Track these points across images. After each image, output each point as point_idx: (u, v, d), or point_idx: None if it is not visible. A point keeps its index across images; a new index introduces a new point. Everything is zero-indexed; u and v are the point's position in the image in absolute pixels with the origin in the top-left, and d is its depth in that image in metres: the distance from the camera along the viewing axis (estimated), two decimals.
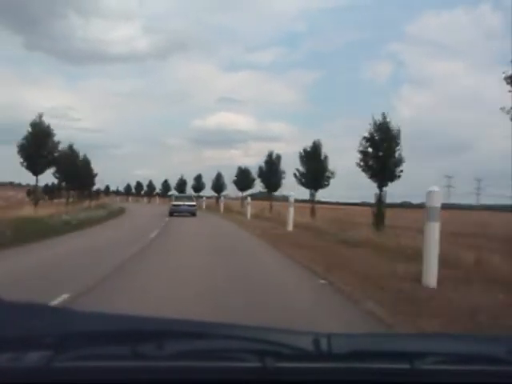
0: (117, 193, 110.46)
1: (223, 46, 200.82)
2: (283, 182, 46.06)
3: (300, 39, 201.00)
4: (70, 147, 52.80)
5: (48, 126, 39.98)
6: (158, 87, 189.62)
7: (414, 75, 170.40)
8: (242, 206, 45.94)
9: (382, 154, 24.11)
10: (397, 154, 24.53)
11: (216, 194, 66.90)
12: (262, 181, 47.56)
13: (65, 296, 7.13)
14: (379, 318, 6.21)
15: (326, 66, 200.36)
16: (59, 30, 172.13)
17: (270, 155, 47.46)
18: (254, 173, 54.14)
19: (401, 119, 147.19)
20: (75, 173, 51.07)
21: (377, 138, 24.48)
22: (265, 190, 47.95)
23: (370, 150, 24.42)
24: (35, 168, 38.58)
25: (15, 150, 38.06)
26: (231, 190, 63.35)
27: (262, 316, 6.00)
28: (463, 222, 26.82)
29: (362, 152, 24.48)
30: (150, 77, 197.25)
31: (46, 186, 70.07)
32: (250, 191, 56.66)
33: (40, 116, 39.88)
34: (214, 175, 68.44)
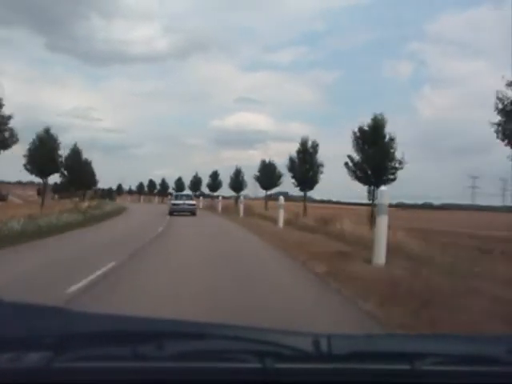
0: (130, 192, 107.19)
1: (242, 45, 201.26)
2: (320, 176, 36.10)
3: (319, 38, 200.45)
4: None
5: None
6: (178, 87, 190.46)
7: (436, 74, 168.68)
8: (266, 207, 40.52)
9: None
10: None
11: (234, 194, 58.18)
12: (294, 176, 36.37)
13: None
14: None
15: (345, 66, 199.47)
16: (81, 31, 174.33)
17: (303, 143, 36.35)
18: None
19: (424, 119, 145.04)
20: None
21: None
22: (294, 189, 38.58)
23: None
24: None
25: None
26: (251, 189, 57.06)
27: None
28: (471, 223, 27.31)
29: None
30: (169, 77, 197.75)
31: (56, 184, 68.44)
32: (275, 190, 47.69)
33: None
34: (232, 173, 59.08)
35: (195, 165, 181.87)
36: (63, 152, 44.10)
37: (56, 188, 70.16)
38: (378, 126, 25.63)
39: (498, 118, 15.87)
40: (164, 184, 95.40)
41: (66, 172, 49.61)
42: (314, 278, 9.17)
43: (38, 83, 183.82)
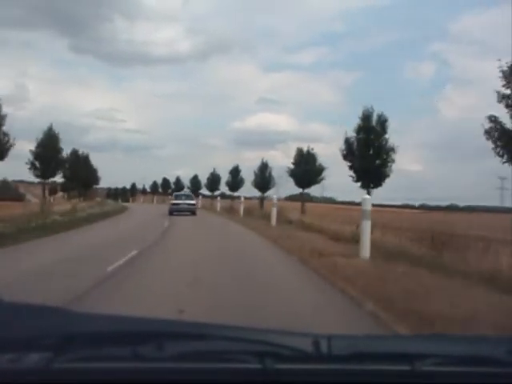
0: (143, 192, 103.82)
1: (263, 46, 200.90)
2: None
3: (340, 39, 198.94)
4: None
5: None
6: (200, 88, 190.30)
7: (459, 74, 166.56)
8: (303, 210, 33.75)
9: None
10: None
11: (259, 194, 48.07)
12: (352, 166, 26.63)
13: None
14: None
15: (366, 66, 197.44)
16: (104, 33, 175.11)
17: (366, 117, 26.81)
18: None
19: (447, 120, 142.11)
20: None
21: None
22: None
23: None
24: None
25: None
26: (280, 187, 47.56)
27: None
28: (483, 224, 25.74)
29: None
30: (191, 78, 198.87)
31: (63, 184, 68.25)
32: (312, 188, 40.65)
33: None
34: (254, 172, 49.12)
35: (215, 166, 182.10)
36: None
37: (64, 187, 70.42)
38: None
39: None
40: (179, 183, 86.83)
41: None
42: None
43: (61, 84, 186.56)
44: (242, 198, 38.26)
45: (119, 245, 13.85)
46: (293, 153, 40.42)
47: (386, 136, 26.75)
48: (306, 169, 38.26)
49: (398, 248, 12.36)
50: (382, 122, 26.77)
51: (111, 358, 1.21)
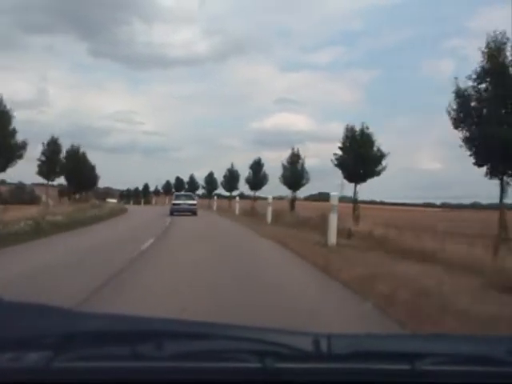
0: (156, 193, 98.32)
1: (281, 46, 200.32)
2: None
3: (357, 38, 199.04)
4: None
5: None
6: (218, 90, 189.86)
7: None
8: (356, 217, 24.22)
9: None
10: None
11: (291, 192, 37.73)
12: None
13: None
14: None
15: (384, 65, 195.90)
16: (122, 36, 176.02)
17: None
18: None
19: None
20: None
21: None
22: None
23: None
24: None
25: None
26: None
27: None
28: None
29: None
30: (209, 79, 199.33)
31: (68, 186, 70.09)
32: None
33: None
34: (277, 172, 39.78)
35: (235, 166, 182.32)
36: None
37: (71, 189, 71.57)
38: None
39: None
40: (193, 182, 77.75)
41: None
42: None
43: (80, 88, 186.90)
44: (271, 199, 27.34)
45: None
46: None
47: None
48: (361, 153, 28.29)
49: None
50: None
51: (111, 357, 1.21)
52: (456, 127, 17.17)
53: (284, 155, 40.47)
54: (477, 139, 16.59)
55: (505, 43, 16.65)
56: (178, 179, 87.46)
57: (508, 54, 16.71)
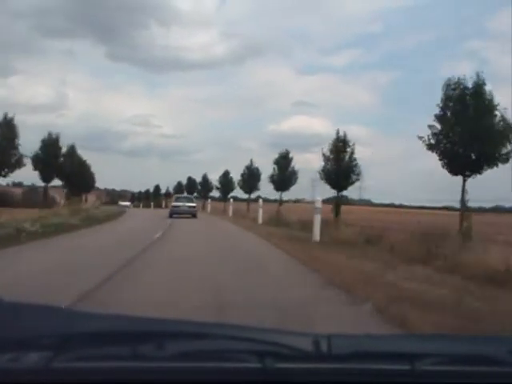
0: (167, 195, 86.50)
1: (298, 49, 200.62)
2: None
3: (375, 40, 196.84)
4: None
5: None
6: (235, 92, 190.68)
7: (499, 72, 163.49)
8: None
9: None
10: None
11: (337, 192, 27.62)
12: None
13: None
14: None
15: (402, 67, 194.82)
16: (140, 40, 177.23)
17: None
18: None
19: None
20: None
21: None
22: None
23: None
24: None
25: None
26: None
27: None
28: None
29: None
30: (226, 82, 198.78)
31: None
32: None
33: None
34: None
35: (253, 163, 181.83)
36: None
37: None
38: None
39: None
40: (206, 183, 69.82)
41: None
42: None
43: (99, 91, 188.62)
44: (320, 202, 16.90)
45: None
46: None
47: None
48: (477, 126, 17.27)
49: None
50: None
51: (111, 357, 1.21)
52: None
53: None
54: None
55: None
56: (190, 179, 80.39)
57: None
